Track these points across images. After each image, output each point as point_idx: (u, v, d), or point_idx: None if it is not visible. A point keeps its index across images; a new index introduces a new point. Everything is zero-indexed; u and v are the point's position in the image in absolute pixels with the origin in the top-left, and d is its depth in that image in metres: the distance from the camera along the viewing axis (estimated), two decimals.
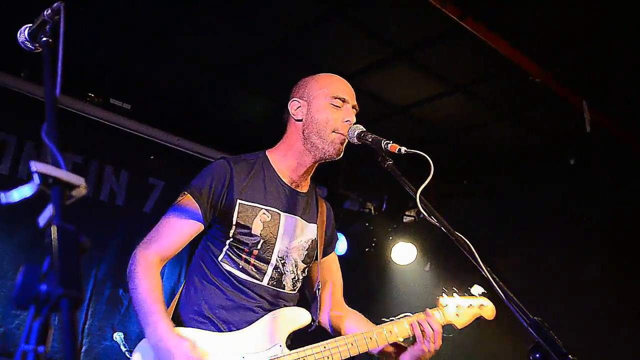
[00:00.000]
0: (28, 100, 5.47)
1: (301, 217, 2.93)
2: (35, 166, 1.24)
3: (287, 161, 2.93)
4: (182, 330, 2.62)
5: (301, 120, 2.89)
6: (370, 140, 2.68)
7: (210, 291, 2.74)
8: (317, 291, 3.00)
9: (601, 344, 5.41)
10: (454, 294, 3.12)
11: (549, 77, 5.18)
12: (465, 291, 3.16)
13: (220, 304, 2.71)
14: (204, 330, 2.64)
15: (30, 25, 1.92)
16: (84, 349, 5.73)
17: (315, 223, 2.99)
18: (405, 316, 2.82)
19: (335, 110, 2.85)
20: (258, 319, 2.71)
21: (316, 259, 3.00)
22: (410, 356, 2.88)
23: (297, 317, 2.78)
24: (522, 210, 6.67)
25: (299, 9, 4.71)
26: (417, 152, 2.52)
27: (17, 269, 5.38)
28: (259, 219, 2.77)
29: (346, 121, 2.82)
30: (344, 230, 7.45)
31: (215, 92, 6.01)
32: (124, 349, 5.14)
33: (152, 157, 6.39)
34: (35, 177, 1.24)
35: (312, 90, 2.91)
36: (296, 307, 2.86)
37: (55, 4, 1.77)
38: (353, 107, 2.92)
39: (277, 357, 2.61)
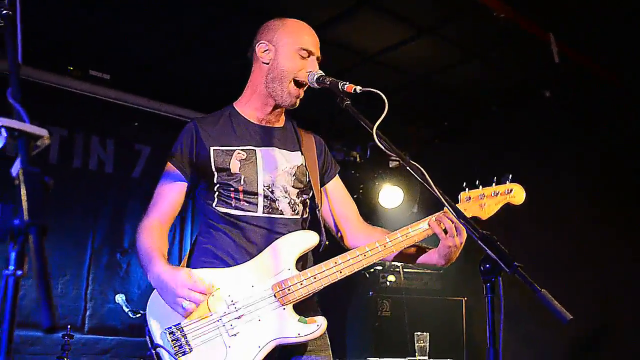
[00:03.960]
0: (3, 79, 5.57)
1: (279, 148, 3.04)
2: (2, 121, 1.41)
3: (252, 104, 3.08)
4: (193, 271, 2.79)
5: (267, 64, 3.02)
6: (328, 83, 2.84)
7: (215, 235, 2.91)
8: (318, 212, 3.09)
9: (584, 278, 5.64)
10: (480, 186, 3.00)
11: (513, 12, 5.28)
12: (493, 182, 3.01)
13: (225, 243, 2.88)
14: (212, 268, 2.80)
15: None
16: (88, 313, 5.98)
17: (299, 151, 3.10)
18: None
19: (301, 60, 2.98)
20: (263, 250, 2.83)
21: (309, 183, 3.09)
22: (439, 256, 2.92)
23: (301, 240, 2.88)
24: (504, 147, 6.82)
25: None
26: (371, 89, 2.67)
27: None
28: (235, 158, 2.93)
29: (309, 72, 2.95)
30: None
31: (189, 55, 6.13)
32: (126, 309, 5.36)
33: (136, 123, 6.56)
34: (3, 131, 1.41)
35: (281, 37, 3.03)
36: (301, 231, 2.94)
37: None
38: (317, 58, 3.05)
39: (287, 280, 2.75)
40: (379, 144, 2.60)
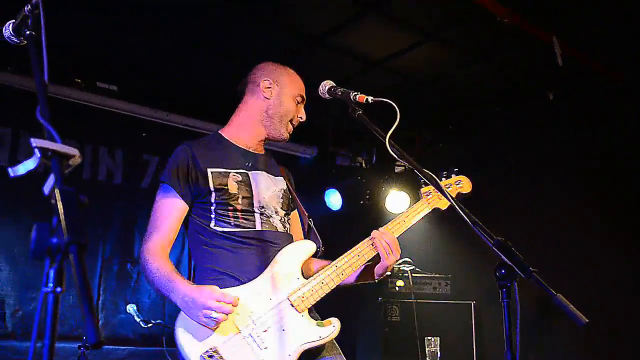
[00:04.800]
0: (18, 93, 5.65)
1: (266, 172, 3.23)
2: (35, 142, 1.45)
3: (243, 132, 3.26)
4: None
5: (268, 99, 3.23)
6: (340, 93, 2.93)
7: (216, 255, 2.99)
8: (309, 222, 3.30)
9: (585, 279, 5.64)
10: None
11: (517, 16, 5.32)
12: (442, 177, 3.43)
13: (228, 260, 2.96)
14: (227, 288, 2.86)
15: (14, 20, 2.12)
16: (100, 323, 6.02)
17: (281, 176, 3.33)
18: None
19: (296, 106, 3.28)
20: (268, 263, 2.96)
21: (293, 205, 3.34)
22: (376, 273, 3.15)
23: (302, 249, 3.06)
24: (508, 149, 6.86)
25: None
26: (383, 99, 2.74)
27: (27, 255, 5.68)
28: (232, 179, 3.06)
29: (299, 117, 3.29)
30: (338, 186, 7.70)
31: (194, 63, 6.19)
32: (138, 319, 5.42)
33: (143, 134, 6.60)
34: (36, 151, 1.45)
35: (285, 80, 3.29)
36: (299, 241, 3.16)
37: (34, 0, 1.97)
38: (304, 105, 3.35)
39: (299, 288, 2.91)
40: (391, 152, 2.65)
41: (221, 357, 2.70)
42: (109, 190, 6.38)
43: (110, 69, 6.23)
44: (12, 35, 2.13)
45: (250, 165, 3.17)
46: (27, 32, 1.98)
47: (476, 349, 6.21)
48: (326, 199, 7.57)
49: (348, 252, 3.06)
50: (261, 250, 2.99)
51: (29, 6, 2.00)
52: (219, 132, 3.29)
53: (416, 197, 7.44)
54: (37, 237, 1.31)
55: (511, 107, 6.85)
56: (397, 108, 2.66)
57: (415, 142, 7.64)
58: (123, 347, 6.08)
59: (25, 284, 5.68)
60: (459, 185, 3.41)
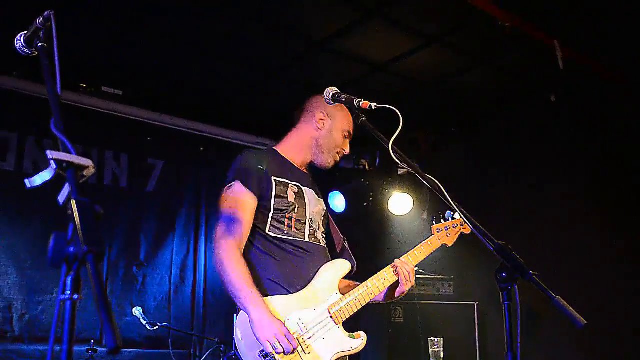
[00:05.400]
0: (23, 98, 5.71)
1: (314, 191, 3.50)
2: (51, 154, 1.51)
3: (294, 153, 3.55)
4: (266, 299, 3.10)
5: (320, 130, 3.52)
6: (343, 99, 2.98)
7: (265, 262, 3.22)
8: (344, 244, 3.55)
9: (585, 279, 5.67)
10: (441, 220, 3.66)
11: (517, 19, 5.35)
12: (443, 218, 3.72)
13: (278, 269, 3.21)
14: (279, 296, 3.15)
15: (25, 32, 2.17)
16: None
17: (322, 198, 3.58)
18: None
19: (344, 140, 3.58)
20: (311, 274, 3.26)
21: (329, 224, 3.59)
22: (390, 297, 3.48)
23: (341, 268, 3.37)
24: (511, 151, 6.88)
25: None
26: (386, 106, 2.78)
27: (34, 259, 5.73)
28: (290, 190, 3.33)
29: (344, 150, 3.60)
30: (341, 188, 7.74)
31: (199, 68, 6.22)
32: (143, 322, 5.48)
33: (148, 138, 6.66)
34: (52, 163, 1.51)
35: (337, 116, 3.57)
36: (338, 260, 3.42)
37: (45, 13, 2.02)
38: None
39: (338, 302, 3.22)
40: (394, 157, 2.70)
41: (274, 358, 2.96)
42: (114, 194, 6.43)
43: (115, 73, 6.28)
44: (24, 47, 2.18)
45: (301, 180, 3.46)
46: (39, 44, 2.03)
47: (479, 349, 6.25)
48: (330, 202, 7.60)
49: (375, 275, 3.36)
50: (306, 260, 3.27)
51: (41, 19, 2.05)
52: (274, 148, 3.56)
53: (419, 199, 7.55)
54: (54, 246, 1.37)
55: (512, 109, 6.88)
56: (400, 114, 2.70)
57: (418, 145, 7.67)
58: (129, 350, 6.14)
59: (32, 288, 5.74)
60: (462, 226, 3.68)
